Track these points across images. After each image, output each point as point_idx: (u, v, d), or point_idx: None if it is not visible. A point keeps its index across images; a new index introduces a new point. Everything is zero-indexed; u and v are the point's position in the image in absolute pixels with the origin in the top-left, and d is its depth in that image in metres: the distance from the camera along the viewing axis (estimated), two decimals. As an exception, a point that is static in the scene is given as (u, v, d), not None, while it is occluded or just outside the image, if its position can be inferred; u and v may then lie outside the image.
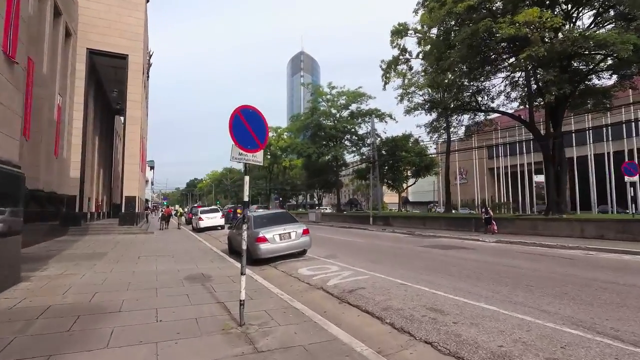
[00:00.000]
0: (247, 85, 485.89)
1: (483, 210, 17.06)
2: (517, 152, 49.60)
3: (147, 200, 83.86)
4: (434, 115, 22.34)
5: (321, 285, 6.88)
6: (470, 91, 19.28)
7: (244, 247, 4.67)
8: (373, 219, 27.62)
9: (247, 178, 4.67)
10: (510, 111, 21.33)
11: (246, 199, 4.66)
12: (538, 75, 16.87)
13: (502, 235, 15.53)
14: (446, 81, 19.17)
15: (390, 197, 75.44)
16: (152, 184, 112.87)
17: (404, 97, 22.87)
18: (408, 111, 22.72)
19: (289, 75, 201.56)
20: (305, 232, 10.07)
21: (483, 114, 20.36)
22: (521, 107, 20.56)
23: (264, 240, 9.35)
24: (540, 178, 38.82)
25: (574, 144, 41.66)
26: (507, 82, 19.22)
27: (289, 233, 9.78)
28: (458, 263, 8.92)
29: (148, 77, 28.83)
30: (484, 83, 19.30)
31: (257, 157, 4.72)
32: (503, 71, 17.67)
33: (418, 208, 71.63)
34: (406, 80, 23.44)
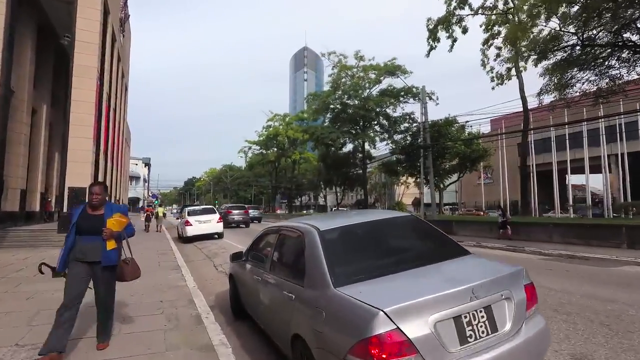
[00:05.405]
0: (249, 85, 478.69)
1: (499, 212, 15.35)
2: (566, 148, 42.11)
3: (140, 199, 76.13)
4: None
5: None
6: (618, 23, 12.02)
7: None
8: (425, 224, 20.37)
9: None
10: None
11: None
12: None
13: None
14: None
15: (406, 198, 68.17)
16: (147, 181, 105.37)
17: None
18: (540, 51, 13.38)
19: (292, 72, 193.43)
20: None
21: (626, 69, 12.99)
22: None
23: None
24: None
25: None
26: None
27: None
28: None
29: (123, 31, 21.48)
30: None
31: None
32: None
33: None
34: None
